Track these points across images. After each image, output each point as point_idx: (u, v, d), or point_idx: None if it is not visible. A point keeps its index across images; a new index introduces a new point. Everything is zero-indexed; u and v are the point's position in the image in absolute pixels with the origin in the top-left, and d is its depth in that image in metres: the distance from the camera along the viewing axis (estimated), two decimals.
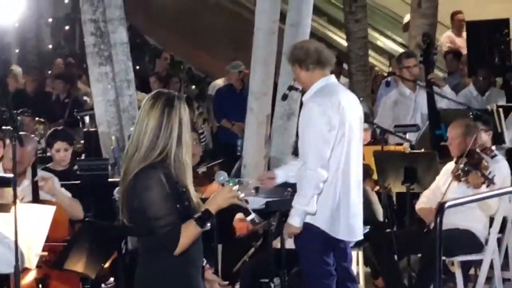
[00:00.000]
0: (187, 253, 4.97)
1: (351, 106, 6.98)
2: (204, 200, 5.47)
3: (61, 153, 9.37)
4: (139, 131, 4.97)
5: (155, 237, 4.90)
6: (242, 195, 4.74)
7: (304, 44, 7.61)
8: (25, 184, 7.92)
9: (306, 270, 7.24)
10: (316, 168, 6.75)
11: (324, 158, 6.77)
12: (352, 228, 7.00)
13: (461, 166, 8.36)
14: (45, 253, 6.99)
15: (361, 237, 7.27)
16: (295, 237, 7.09)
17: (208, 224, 4.83)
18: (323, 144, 6.78)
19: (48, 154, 9.86)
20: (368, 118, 9.81)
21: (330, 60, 7.12)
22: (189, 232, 4.80)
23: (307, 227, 6.89)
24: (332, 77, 7.07)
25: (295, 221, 6.95)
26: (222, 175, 4.79)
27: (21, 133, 7.97)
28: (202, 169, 9.25)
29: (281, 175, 7.51)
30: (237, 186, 4.66)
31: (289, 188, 7.85)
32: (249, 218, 4.93)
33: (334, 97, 6.86)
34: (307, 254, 7.06)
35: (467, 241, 8.46)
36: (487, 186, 8.08)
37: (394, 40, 18.23)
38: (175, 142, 4.93)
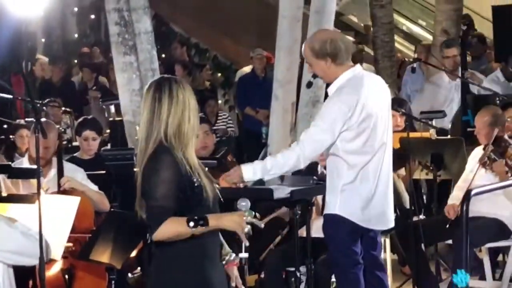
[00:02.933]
0: (202, 246, 4.99)
1: (377, 95, 6.87)
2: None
3: (89, 142, 9.41)
4: (140, 124, 5.12)
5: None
6: (247, 229, 4.67)
7: (328, 36, 7.23)
8: (51, 175, 7.97)
9: (333, 259, 7.19)
10: (324, 129, 6.64)
11: (334, 129, 6.63)
12: (383, 216, 6.97)
13: (488, 153, 8.28)
14: (71, 244, 6.96)
15: (392, 225, 7.21)
16: (324, 227, 7.04)
17: (197, 228, 4.78)
18: (338, 121, 6.64)
19: (74, 144, 9.83)
20: (396, 104, 9.85)
21: (352, 50, 7.21)
22: (175, 225, 4.80)
23: (335, 218, 6.82)
24: (358, 68, 6.96)
25: (251, 175, 6.78)
26: (244, 202, 4.69)
27: (42, 119, 7.96)
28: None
29: (248, 169, 6.94)
30: (250, 218, 4.59)
31: (314, 177, 7.84)
32: (241, 255, 4.96)
33: (358, 92, 6.75)
34: (335, 244, 6.99)
35: (495, 229, 8.42)
36: None
37: (420, 26, 18.34)
38: (170, 127, 4.94)
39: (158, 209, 4.87)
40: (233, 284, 5.79)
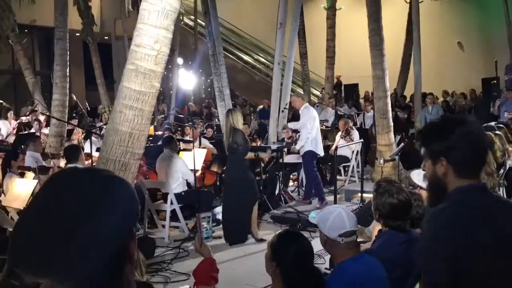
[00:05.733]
0: (245, 161, 5.72)
1: (315, 111, 7.48)
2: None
3: (208, 133, 9.83)
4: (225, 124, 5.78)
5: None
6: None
7: (300, 94, 7.95)
8: (197, 142, 8.48)
9: (308, 169, 7.35)
10: (308, 130, 7.13)
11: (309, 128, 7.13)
12: (321, 150, 7.36)
13: (343, 134, 8.97)
14: (203, 165, 7.58)
15: (322, 154, 7.47)
16: (304, 157, 7.26)
17: None
18: (309, 123, 7.13)
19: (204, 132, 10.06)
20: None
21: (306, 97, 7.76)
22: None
23: (310, 152, 7.18)
24: (307, 103, 7.53)
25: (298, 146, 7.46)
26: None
27: (195, 125, 8.97)
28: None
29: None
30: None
31: (284, 142, 8.50)
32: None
33: (310, 109, 7.31)
34: (309, 162, 7.27)
35: (344, 159, 8.95)
36: (351, 141, 8.72)
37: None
38: (234, 122, 5.64)
39: (236, 149, 5.57)
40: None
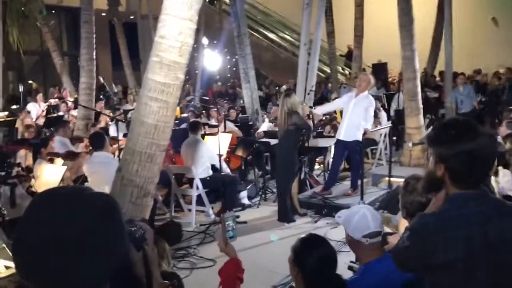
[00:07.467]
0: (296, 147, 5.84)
1: None
2: None
3: (233, 114, 9.70)
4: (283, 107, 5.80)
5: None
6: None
7: (369, 76, 6.85)
8: (222, 126, 7.88)
9: (358, 158, 6.59)
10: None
11: None
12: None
13: None
14: (228, 150, 7.46)
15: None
16: (355, 146, 6.45)
17: None
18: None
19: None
20: None
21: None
22: None
23: (360, 141, 6.43)
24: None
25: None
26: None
27: (220, 107, 8.70)
28: None
29: None
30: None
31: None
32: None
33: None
34: (360, 151, 6.62)
35: (372, 142, 8.66)
36: (379, 123, 8.47)
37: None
38: (292, 106, 5.70)
39: (296, 130, 5.70)
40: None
